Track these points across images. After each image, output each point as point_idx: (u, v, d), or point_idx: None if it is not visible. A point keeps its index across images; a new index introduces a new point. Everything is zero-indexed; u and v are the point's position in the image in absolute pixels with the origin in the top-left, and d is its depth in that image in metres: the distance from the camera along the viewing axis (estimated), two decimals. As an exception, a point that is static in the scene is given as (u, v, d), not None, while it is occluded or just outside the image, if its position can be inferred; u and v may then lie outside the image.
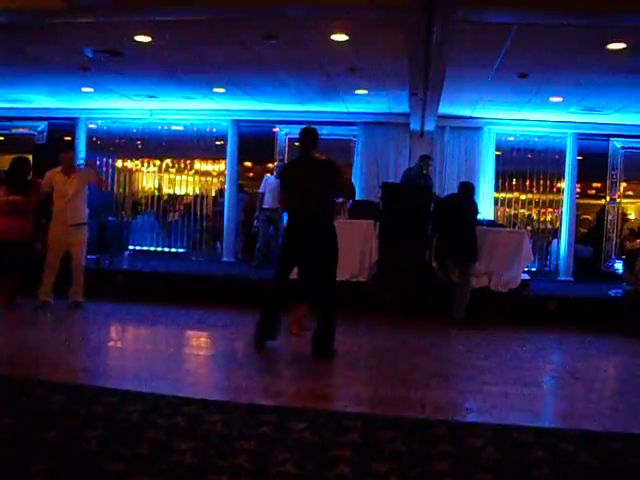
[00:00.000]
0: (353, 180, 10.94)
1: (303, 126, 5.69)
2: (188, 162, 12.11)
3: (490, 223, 8.92)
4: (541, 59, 7.00)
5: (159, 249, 11.84)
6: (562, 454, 3.16)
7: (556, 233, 11.26)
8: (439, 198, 8.78)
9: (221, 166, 11.91)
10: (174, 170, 12.27)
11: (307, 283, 5.45)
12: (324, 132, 11.08)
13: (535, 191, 11.25)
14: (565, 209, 10.96)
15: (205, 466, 2.80)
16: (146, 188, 12.40)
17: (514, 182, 11.25)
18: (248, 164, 13.44)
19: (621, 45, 6.36)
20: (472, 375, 5.04)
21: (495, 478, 2.84)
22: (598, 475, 2.99)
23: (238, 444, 3.07)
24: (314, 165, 5.44)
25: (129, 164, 12.26)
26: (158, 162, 12.23)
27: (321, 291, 5.33)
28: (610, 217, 11.13)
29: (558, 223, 11.24)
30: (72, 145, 11.32)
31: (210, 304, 7.73)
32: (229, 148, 11.45)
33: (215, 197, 12.20)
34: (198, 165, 12.18)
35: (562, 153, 10.95)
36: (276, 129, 11.39)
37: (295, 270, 5.51)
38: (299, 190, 5.36)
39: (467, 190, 7.78)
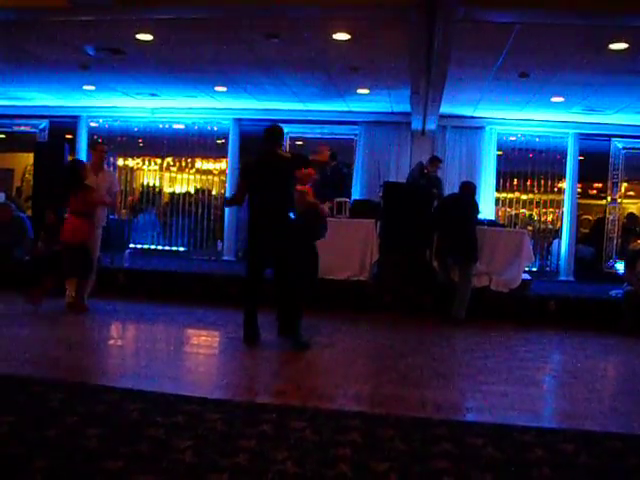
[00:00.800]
0: (354, 179, 10.95)
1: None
2: (189, 161, 12.12)
3: (491, 223, 8.91)
4: (542, 59, 7.00)
5: (160, 247, 11.85)
6: (562, 454, 3.16)
7: (557, 233, 11.27)
8: (441, 196, 8.77)
9: (222, 165, 11.92)
10: (175, 169, 12.28)
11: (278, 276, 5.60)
12: (325, 131, 11.12)
13: (536, 191, 11.25)
14: (566, 209, 10.97)
15: (205, 465, 2.80)
16: (147, 186, 12.40)
17: (515, 182, 11.25)
18: (249, 163, 13.42)
19: (623, 45, 6.36)
20: (472, 374, 5.04)
21: (495, 478, 2.84)
22: (598, 475, 2.98)
23: (238, 443, 3.07)
24: (278, 162, 5.57)
25: (130, 162, 12.26)
26: (159, 160, 12.24)
27: (285, 279, 5.53)
28: (611, 217, 11.13)
29: (559, 223, 11.24)
30: (74, 143, 11.35)
31: (210, 303, 7.73)
32: (230, 147, 11.47)
33: (216, 196, 12.19)
34: (199, 164, 12.19)
35: (563, 153, 10.96)
36: (277, 128, 11.38)
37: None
38: (262, 186, 5.50)
39: (468, 190, 7.77)
